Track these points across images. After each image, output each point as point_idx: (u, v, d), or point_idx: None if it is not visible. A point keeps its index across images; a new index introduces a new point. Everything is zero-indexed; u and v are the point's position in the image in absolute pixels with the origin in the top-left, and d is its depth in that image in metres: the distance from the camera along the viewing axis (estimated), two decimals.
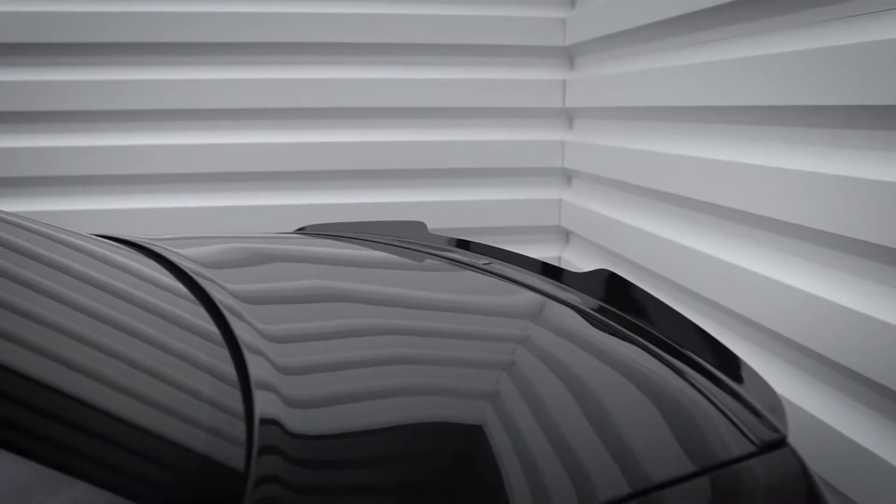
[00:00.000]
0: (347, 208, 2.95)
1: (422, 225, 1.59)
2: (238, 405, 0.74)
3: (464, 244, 1.49)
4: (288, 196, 2.96)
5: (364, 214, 2.93)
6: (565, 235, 3.15)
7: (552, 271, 1.30)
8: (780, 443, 0.86)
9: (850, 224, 1.49)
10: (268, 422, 0.72)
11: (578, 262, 2.95)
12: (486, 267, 1.27)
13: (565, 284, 1.22)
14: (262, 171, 2.93)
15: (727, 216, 1.94)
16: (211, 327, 0.85)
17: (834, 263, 1.59)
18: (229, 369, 0.79)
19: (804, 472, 0.82)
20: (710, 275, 1.96)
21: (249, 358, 0.80)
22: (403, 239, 1.46)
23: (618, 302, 1.15)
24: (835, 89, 1.52)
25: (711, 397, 0.92)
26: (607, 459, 0.79)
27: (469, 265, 1.26)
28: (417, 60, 2.98)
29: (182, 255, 1.11)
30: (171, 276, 1.01)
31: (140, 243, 1.18)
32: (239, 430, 0.71)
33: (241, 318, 0.90)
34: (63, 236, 1.02)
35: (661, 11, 2.23)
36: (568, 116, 3.12)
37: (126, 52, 2.79)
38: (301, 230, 1.76)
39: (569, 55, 3.08)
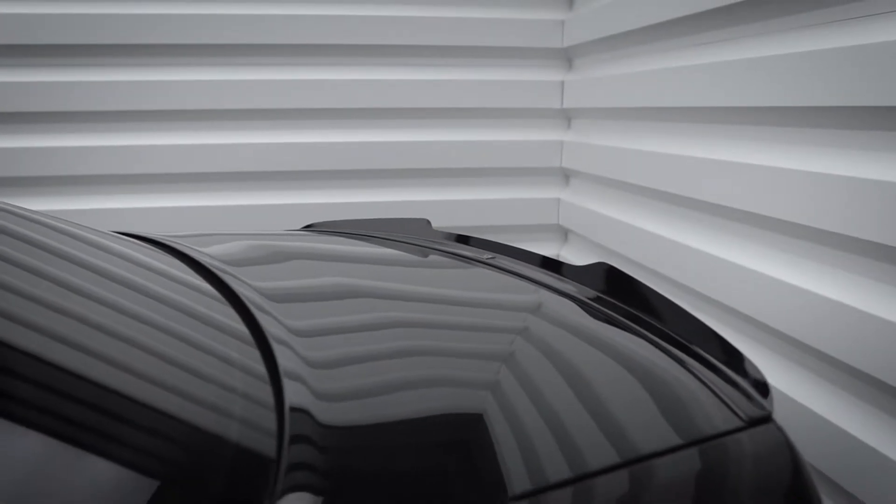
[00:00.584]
0: (350, 207, 2.98)
1: (426, 222, 1.63)
2: (269, 398, 0.78)
3: (466, 240, 1.54)
4: (291, 195, 3.00)
5: (366, 213, 2.96)
6: (564, 234, 3.19)
7: (552, 264, 1.35)
8: (765, 419, 0.91)
9: (838, 220, 1.52)
10: (298, 412, 0.76)
11: (576, 259, 2.98)
12: (490, 261, 1.32)
13: (565, 277, 1.27)
14: (265, 171, 2.96)
15: (722, 214, 1.99)
16: (241, 326, 0.90)
17: (822, 258, 1.62)
18: (260, 364, 0.83)
19: (788, 446, 0.87)
20: (705, 271, 2.00)
21: (279, 352, 0.85)
22: (412, 236, 1.51)
23: (614, 292, 1.20)
24: (828, 91, 1.56)
25: (702, 377, 0.98)
26: (605, 432, 0.85)
27: (475, 260, 1.31)
28: (419, 62, 3.02)
29: (205, 254, 1.15)
30: (198, 274, 1.05)
31: (162, 241, 1.22)
32: (270, 420, 0.75)
33: (268, 314, 0.94)
34: (90, 235, 1.06)
35: (658, 14, 2.27)
36: (566, 117, 3.16)
37: (128, 53, 2.82)
38: (309, 227, 1.80)
39: (567, 57, 3.12)
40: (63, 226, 1.07)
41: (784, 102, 1.71)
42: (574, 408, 0.88)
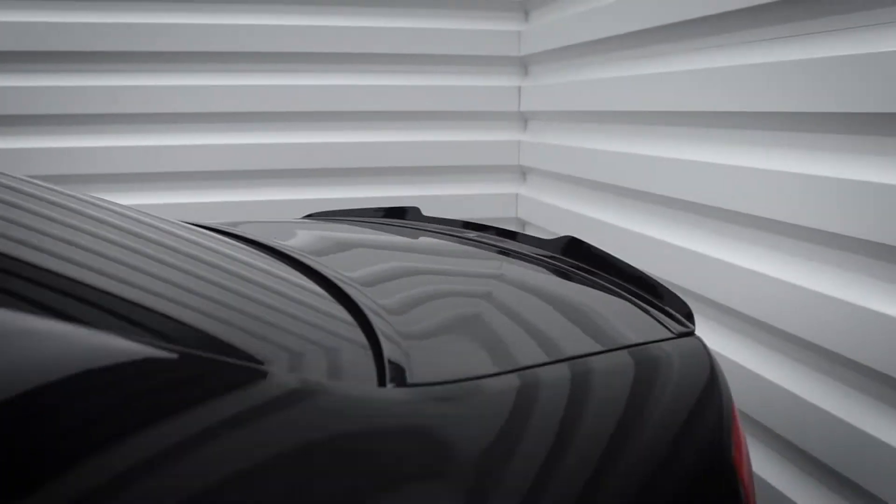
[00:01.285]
0: (332, 203, 3.07)
1: (417, 210, 1.87)
2: (368, 349, 0.91)
3: (452, 222, 1.78)
4: (283, 193, 3.12)
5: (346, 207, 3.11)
6: (522, 225, 3.31)
7: (528, 239, 1.63)
8: (689, 333, 1.14)
9: (799, 211, 1.63)
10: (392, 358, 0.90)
11: None
12: (481, 240, 1.58)
13: (538, 247, 1.56)
14: (252, 170, 3.08)
15: (666, 203, 2.15)
16: (338, 306, 1.03)
17: (783, 245, 1.72)
18: (362, 335, 0.96)
19: (708, 353, 1.10)
20: (649, 255, 2.15)
21: (374, 321, 0.99)
22: (422, 223, 1.72)
23: (576, 256, 1.49)
24: (776, 98, 1.69)
25: (638, 303, 1.24)
26: (556, 336, 1.09)
27: (475, 241, 1.56)
28: (390, 69, 3.12)
29: (285, 245, 1.28)
30: (285, 264, 1.17)
31: (234, 233, 1.34)
32: (369, 356, 0.88)
33: (363, 295, 1.07)
34: (174, 229, 1.17)
35: (607, 28, 2.41)
36: (523, 119, 3.29)
37: (133, 59, 2.89)
38: (309, 216, 2.00)
39: (523, 64, 3.26)
40: (155, 222, 1.18)
41: (717, 108, 1.92)
42: (532, 326, 1.12)
